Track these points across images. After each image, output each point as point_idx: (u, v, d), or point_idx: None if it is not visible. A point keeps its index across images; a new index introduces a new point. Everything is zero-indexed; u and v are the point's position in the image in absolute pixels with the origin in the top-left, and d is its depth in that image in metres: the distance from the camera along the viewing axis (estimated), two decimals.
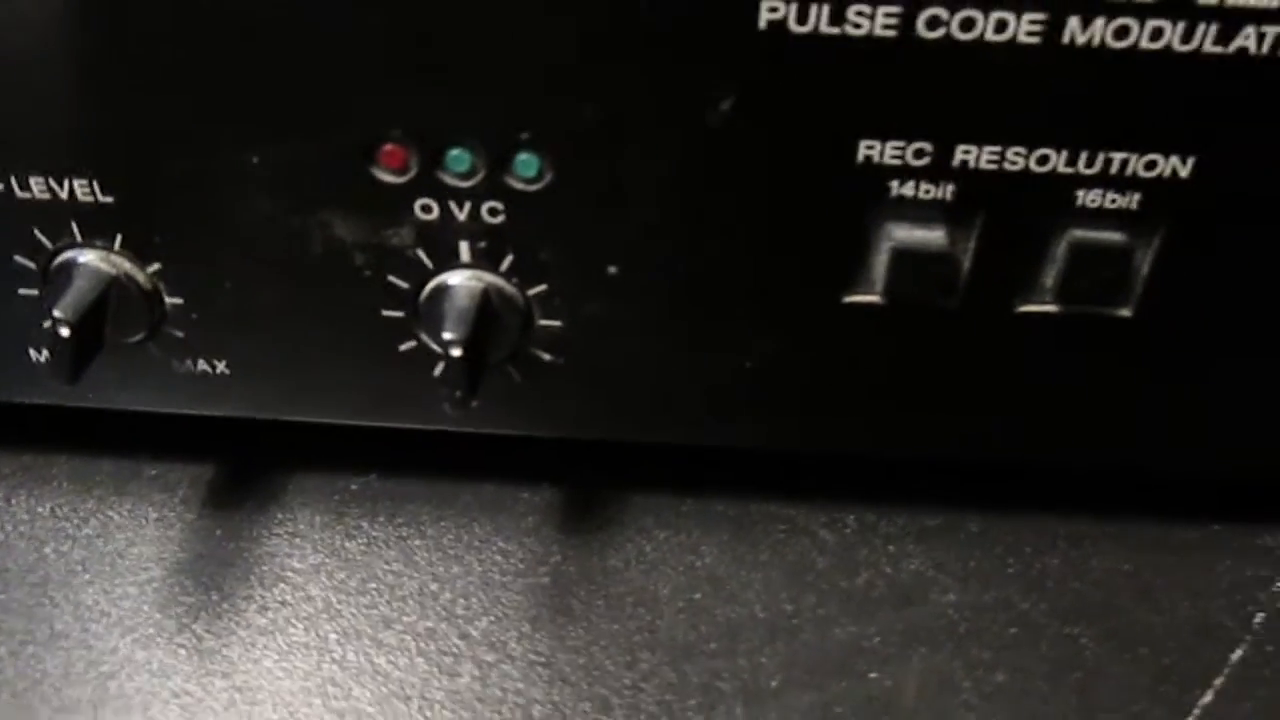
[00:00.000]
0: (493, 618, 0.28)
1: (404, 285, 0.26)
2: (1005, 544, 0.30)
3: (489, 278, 0.26)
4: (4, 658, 0.27)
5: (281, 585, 0.29)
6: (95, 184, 0.25)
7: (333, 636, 0.27)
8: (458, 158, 0.24)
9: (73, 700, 0.26)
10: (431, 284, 0.26)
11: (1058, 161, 0.23)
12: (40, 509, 0.30)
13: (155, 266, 0.27)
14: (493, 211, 0.25)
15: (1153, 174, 0.23)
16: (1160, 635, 0.28)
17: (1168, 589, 0.29)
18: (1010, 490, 0.31)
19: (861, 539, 0.30)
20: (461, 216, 0.25)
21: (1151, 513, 0.30)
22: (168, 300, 0.27)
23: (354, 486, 0.31)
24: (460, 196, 0.25)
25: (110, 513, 0.30)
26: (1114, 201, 0.23)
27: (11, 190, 0.25)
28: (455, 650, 0.27)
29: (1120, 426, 0.28)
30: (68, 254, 0.26)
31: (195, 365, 0.28)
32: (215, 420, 0.30)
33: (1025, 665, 0.27)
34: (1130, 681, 0.27)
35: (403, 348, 0.27)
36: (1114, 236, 0.24)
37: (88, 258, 0.26)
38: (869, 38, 0.21)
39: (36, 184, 0.25)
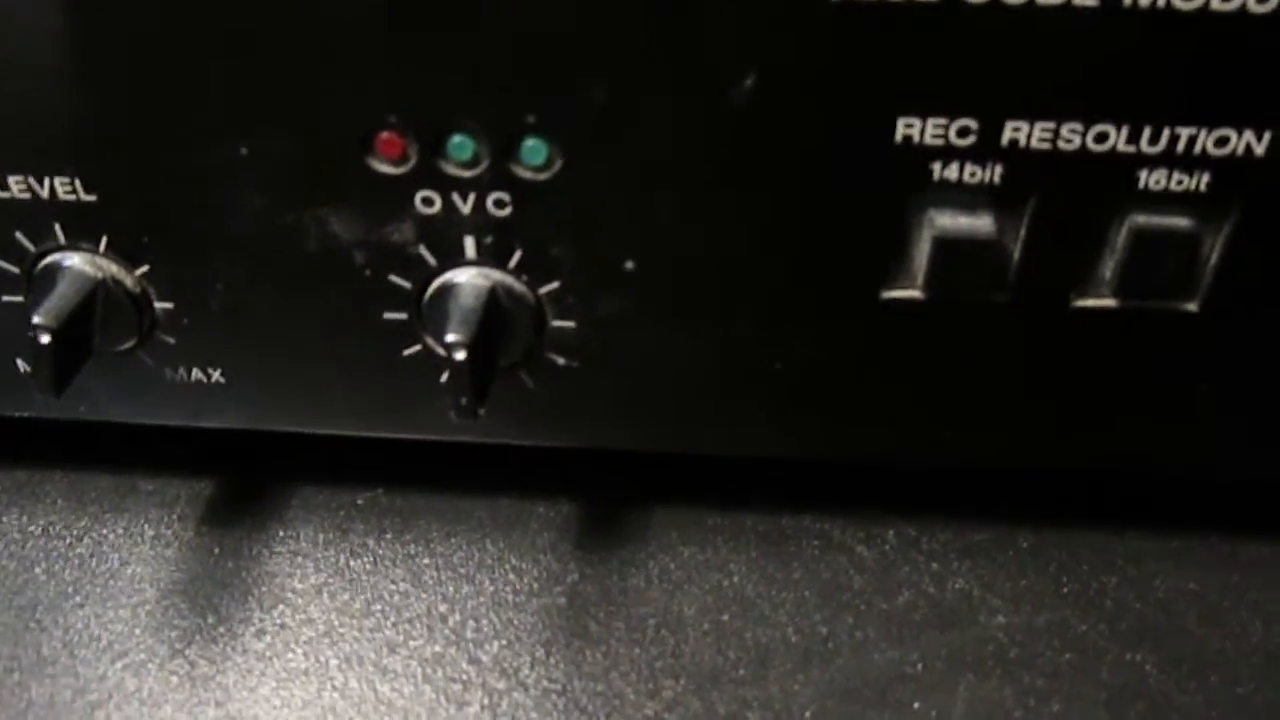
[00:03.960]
0: (504, 641, 0.26)
1: (406, 285, 0.24)
2: (1059, 562, 0.28)
3: (496, 275, 0.24)
4: None
5: (281, 607, 0.27)
6: (77, 181, 0.24)
7: (334, 662, 0.26)
8: (460, 145, 0.22)
9: None
10: (436, 283, 0.24)
11: (1117, 139, 0.21)
12: (32, 527, 0.29)
13: (144, 269, 0.25)
14: (499, 203, 0.23)
15: (1224, 152, 0.21)
16: (1231, 661, 0.25)
17: (1238, 611, 0.26)
18: (1064, 503, 0.29)
19: (902, 556, 0.28)
20: (465, 209, 0.23)
21: (1218, 528, 0.28)
22: (158, 305, 0.26)
23: (360, 502, 0.29)
24: (464, 188, 0.23)
25: (105, 530, 0.29)
26: (1180, 183, 0.21)
27: None
28: (464, 677, 0.25)
29: (1185, 432, 0.25)
30: (52, 257, 0.25)
31: (189, 374, 0.27)
32: (215, 433, 0.29)
33: (1083, 694, 0.25)
34: (1200, 713, 0.24)
35: (407, 353, 0.26)
36: (1180, 222, 0.22)
37: (72, 261, 0.25)
38: (909, 2, 0.19)
39: (15, 183, 0.24)
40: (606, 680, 0.25)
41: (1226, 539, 0.28)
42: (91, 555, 0.28)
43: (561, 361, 0.25)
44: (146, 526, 0.29)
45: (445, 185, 0.23)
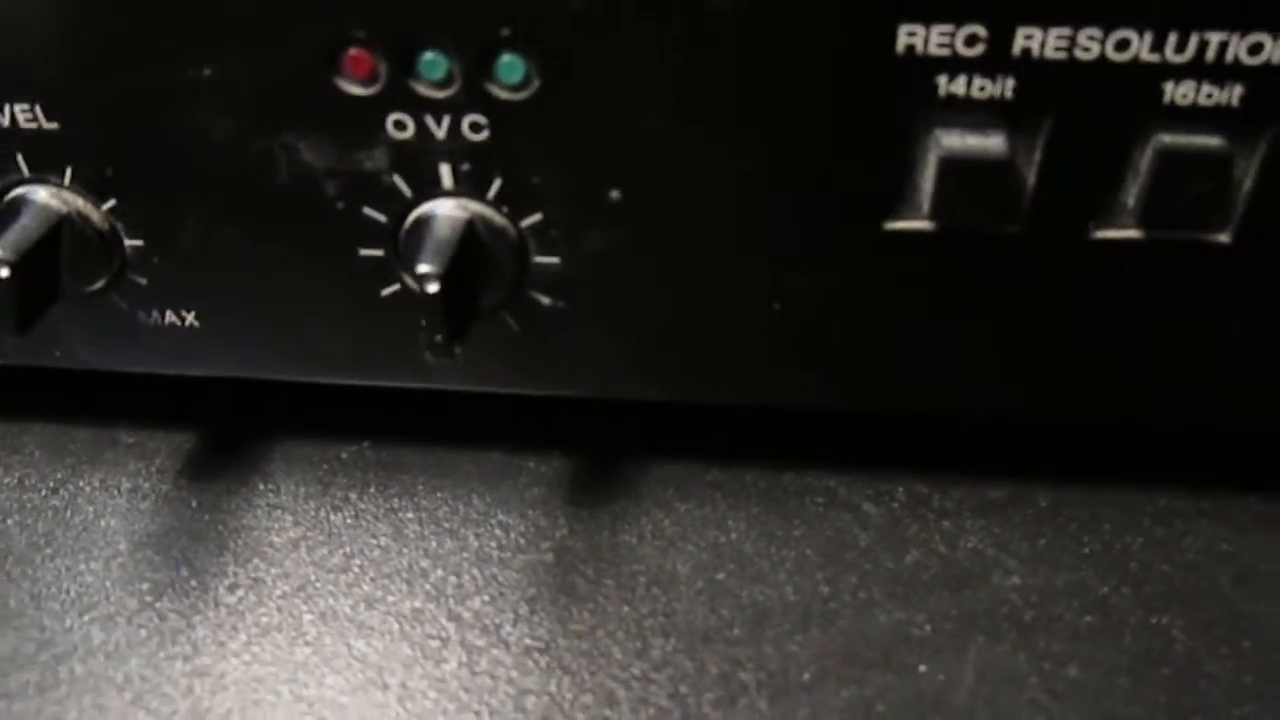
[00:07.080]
0: (486, 598, 0.25)
1: (382, 219, 0.23)
2: (1080, 521, 0.26)
3: (475, 206, 0.23)
4: None
5: (256, 561, 0.26)
6: (37, 108, 0.23)
7: (308, 617, 0.24)
8: (432, 63, 0.21)
9: (18, 685, 0.23)
10: (412, 216, 0.23)
11: (1140, 47, 0.19)
12: (8, 479, 0.28)
13: (110, 203, 0.24)
14: (475, 126, 0.22)
15: (1258, 60, 0.19)
16: (1266, 627, 0.24)
17: (1273, 573, 0.25)
18: (1085, 458, 0.27)
19: (911, 514, 0.26)
20: (440, 134, 0.22)
21: (1252, 485, 0.26)
22: (127, 242, 0.24)
23: (344, 455, 0.28)
24: (437, 109, 0.21)
25: (81, 483, 0.28)
26: (1210, 97, 0.20)
27: None
28: (443, 634, 0.24)
29: (1216, 378, 0.23)
30: (16, 191, 0.24)
31: (163, 317, 0.26)
32: (199, 384, 0.27)
33: (1103, 659, 0.23)
34: (1231, 680, 0.23)
35: (385, 292, 0.24)
36: (1210, 141, 0.20)
37: (37, 194, 0.24)
38: None
39: None
40: (593, 638, 0.24)
41: (1261, 497, 0.26)
42: (66, 507, 0.27)
43: (547, 301, 0.24)
44: (124, 479, 0.28)
45: (418, 107, 0.21)
